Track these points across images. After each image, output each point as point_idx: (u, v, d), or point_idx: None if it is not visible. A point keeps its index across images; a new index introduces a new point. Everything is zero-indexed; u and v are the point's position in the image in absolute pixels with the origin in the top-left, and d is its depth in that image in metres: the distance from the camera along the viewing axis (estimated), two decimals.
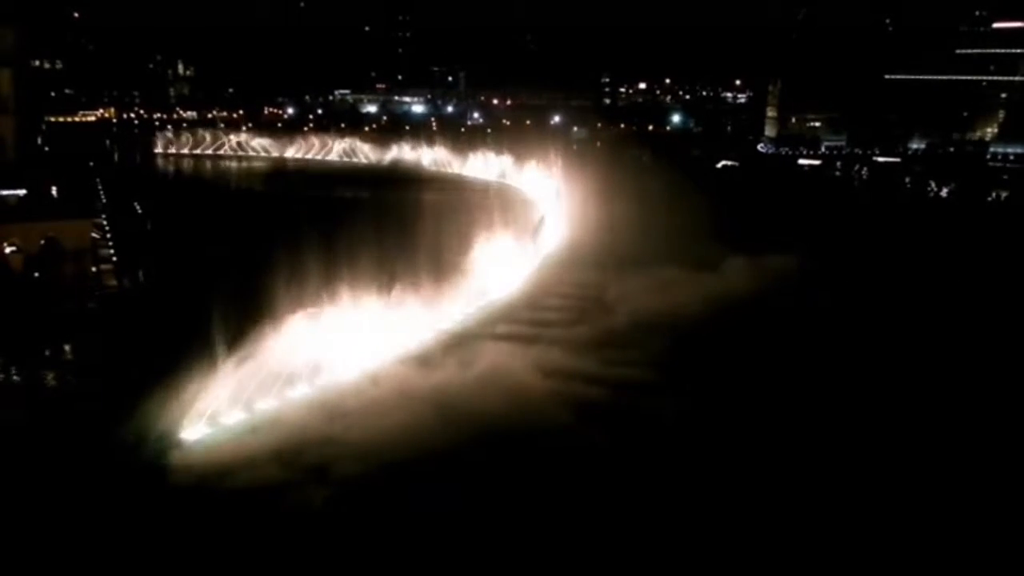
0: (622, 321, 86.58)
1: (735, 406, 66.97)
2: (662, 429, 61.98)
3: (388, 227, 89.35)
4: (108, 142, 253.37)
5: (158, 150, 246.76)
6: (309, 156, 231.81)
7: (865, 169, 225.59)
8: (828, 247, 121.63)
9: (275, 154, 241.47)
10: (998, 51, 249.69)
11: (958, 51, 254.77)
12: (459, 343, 77.78)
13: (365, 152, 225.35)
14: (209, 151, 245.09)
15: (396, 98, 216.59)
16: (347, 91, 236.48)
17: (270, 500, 51.78)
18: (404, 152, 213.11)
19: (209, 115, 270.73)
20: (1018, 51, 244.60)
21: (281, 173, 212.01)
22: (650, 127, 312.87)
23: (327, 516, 50.36)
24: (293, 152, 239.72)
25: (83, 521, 49.50)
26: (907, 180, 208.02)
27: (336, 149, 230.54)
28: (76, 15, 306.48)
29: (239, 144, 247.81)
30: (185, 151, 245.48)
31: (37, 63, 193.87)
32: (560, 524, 50.30)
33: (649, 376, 71.51)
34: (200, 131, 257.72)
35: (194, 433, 59.49)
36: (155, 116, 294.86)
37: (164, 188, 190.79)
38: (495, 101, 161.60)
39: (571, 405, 65.10)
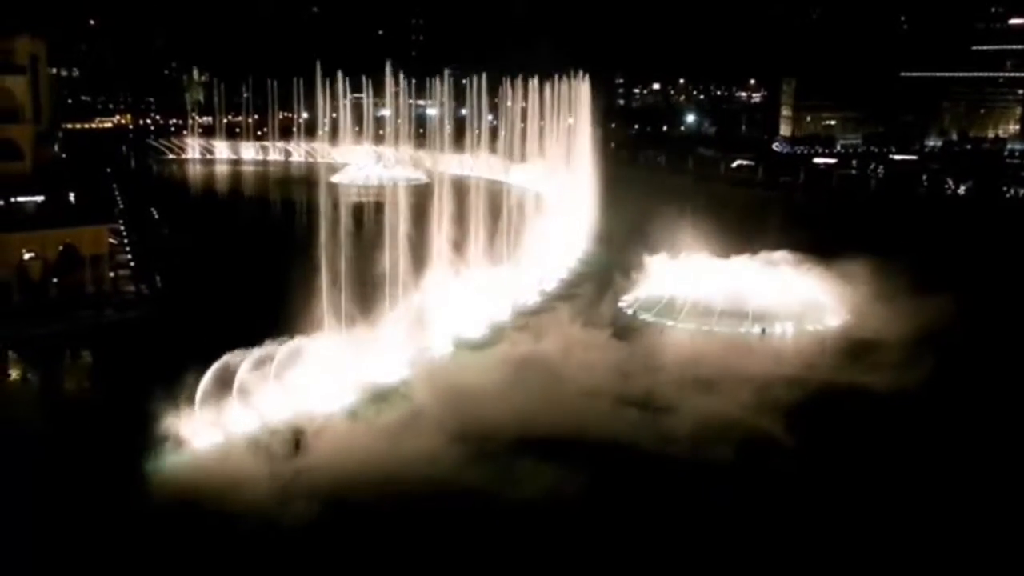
0: None
1: None
2: None
3: (399, 234, 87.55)
4: (124, 148, 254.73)
5: (174, 156, 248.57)
6: (323, 160, 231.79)
7: (881, 167, 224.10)
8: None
9: (288, 158, 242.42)
10: (1015, 47, 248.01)
11: (974, 48, 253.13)
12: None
13: (380, 156, 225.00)
14: (224, 156, 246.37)
15: (410, 101, 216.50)
16: (361, 95, 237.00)
17: None
18: (419, 155, 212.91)
19: (224, 120, 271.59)
20: None
21: (295, 178, 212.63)
22: (664, 127, 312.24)
23: None
24: (306, 157, 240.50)
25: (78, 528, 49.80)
26: (924, 178, 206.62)
27: (349, 153, 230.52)
28: (92, 22, 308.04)
29: (255, 149, 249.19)
30: (201, 156, 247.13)
31: (53, 70, 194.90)
32: None
33: None
34: (216, 136, 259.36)
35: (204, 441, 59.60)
36: (171, 122, 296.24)
37: (181, 194, 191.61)
38: (509, 103, 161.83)
39: None
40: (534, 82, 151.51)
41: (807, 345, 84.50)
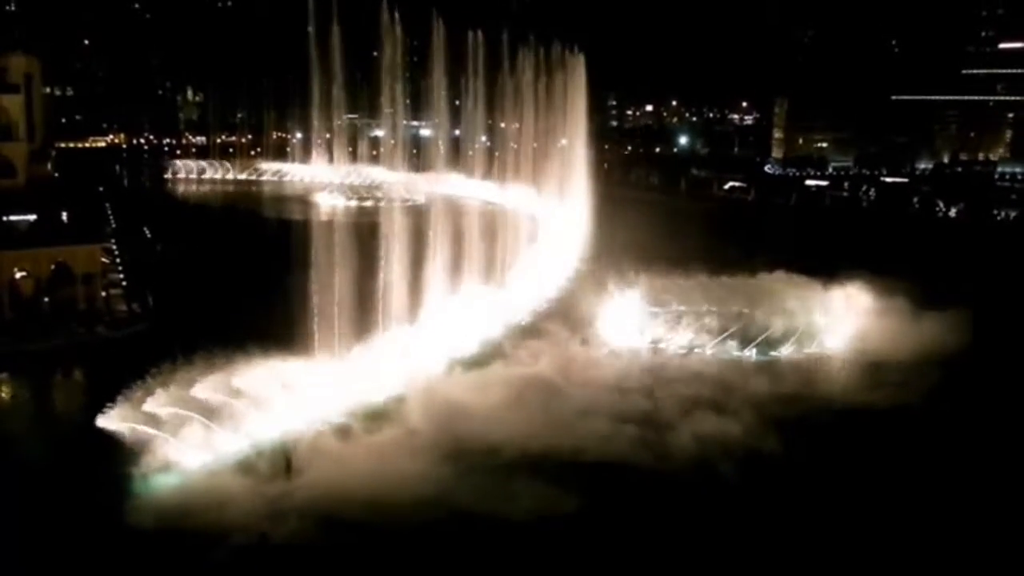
0: None
1: None
2: None
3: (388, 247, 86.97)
4: (118, 167, 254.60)
5: (167, 175, 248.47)
6: (316, 180, 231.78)
7: (872, 189, 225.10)
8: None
9: (282, 179, 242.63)
10: (1005, 71, 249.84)
11: (964, 71, 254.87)
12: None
13: (371, 176, 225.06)
14: (218, 176, 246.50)
15: (404, 122, 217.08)
16: (355, 115, 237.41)
17: None
18: (413, 175, 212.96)
19: (218, 140, 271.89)
20: None
21: (288, 197, 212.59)
22: (657, 148, 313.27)
23: None
24: (300, 177, 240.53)
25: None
26: (915, 200, 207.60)
27: (342, 173, 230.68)
28: (87, 41, 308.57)
29: (248, 169, 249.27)
30: (194, 176, 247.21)
31: (47, 89, 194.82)
32: None
33: None
34: (209, 156, 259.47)
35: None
36: (164, 141, 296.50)
37: (174, 213, 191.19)
38: (502, 124, 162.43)
39: None
40: (527, 100, 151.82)
41: (805, 366, 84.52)
